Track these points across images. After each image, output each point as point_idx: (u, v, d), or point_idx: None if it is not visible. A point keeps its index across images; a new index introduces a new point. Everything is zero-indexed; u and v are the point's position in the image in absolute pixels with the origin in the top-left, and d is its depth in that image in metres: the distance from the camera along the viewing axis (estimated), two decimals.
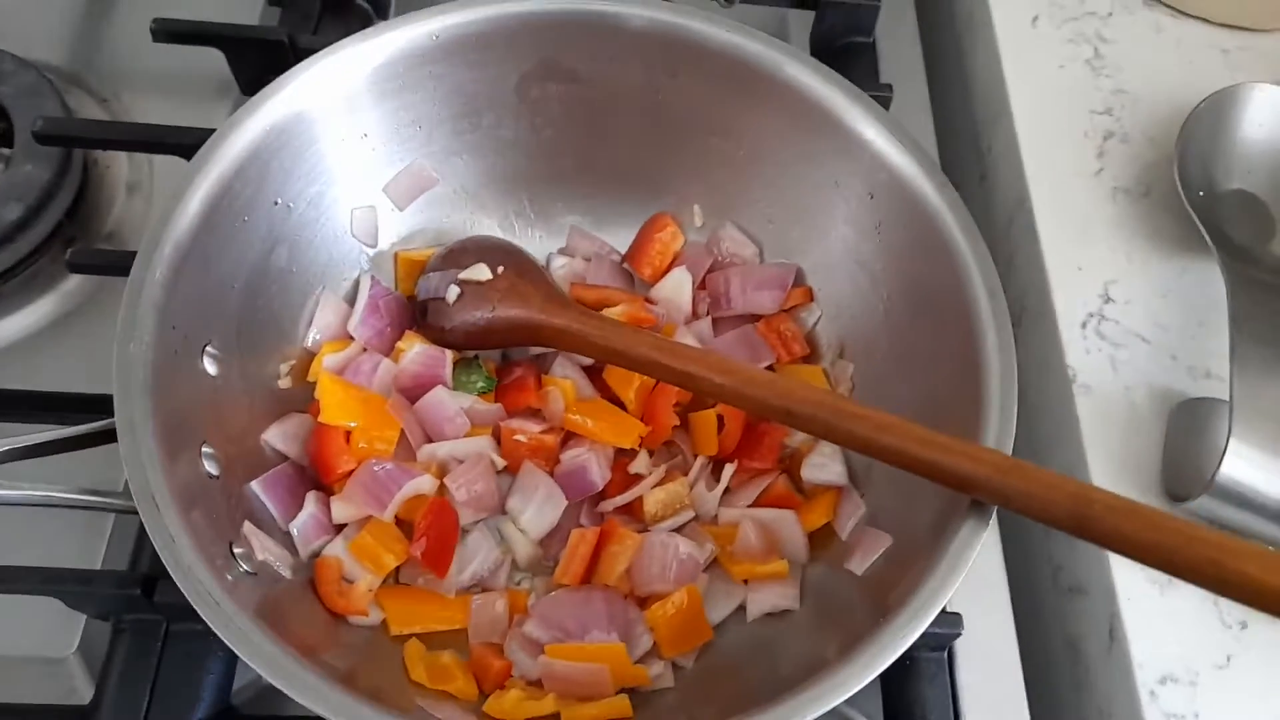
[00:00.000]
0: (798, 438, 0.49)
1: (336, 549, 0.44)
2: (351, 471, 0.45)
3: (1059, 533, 0.53)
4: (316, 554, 0.44)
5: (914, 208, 0.47)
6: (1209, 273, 0.53)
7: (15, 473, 0.39)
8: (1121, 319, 0.54)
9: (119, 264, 0.51)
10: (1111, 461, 0.50)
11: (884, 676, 0.46)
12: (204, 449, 0.41)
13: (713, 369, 0.44)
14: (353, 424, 0.45)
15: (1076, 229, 0.57)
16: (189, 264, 0.41)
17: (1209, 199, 0.55)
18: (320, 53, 0.46)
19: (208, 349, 0.43)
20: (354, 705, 0.34)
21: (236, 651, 0.34)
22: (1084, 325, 0.54)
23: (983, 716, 0.47)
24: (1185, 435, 0.50)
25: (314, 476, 0.46)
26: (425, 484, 0.45)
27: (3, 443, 0.38)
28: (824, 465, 0.48)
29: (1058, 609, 0.53)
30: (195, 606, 0.35)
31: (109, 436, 0.40)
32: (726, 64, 0.50)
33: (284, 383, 0.48)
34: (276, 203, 0.46)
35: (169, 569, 0.35)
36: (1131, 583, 0.47)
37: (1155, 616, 0.47)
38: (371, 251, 0.52)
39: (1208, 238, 0.52)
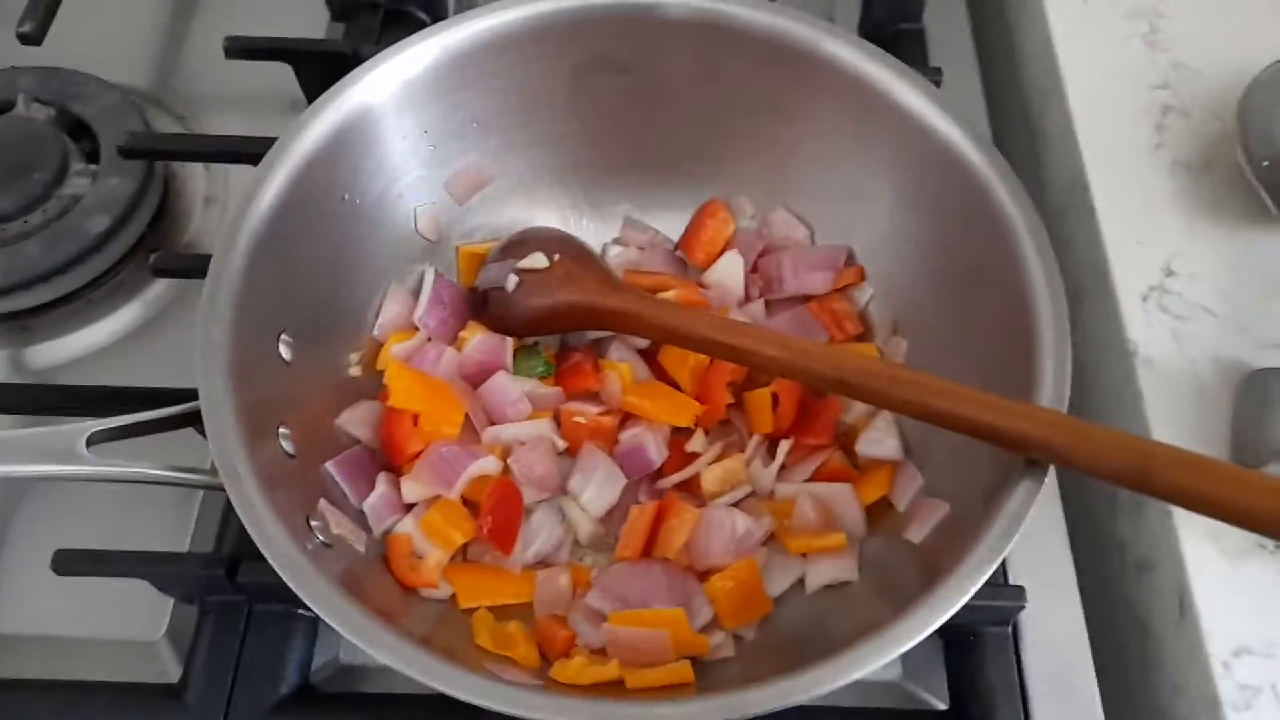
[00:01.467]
0: (853, 413, 0.50)
1: (407, 526, 0.46)
2: (420, 453, 0.46)
3: (1124, 511, 0.53)
4: (388, 531, 0.46)
5: (964, 180, 0.47)
6: (1278, 244, 0.52)
7: (107, 454, 0.42)
8: (1185, 292, 0.53)
9: (199, 267, 0.53)
10: (1176, 434, 0.49)
11: (948, 652, 0.47)
12: (281, 430, 0.43)
13: (766, 343, 0.45)
14: (420, 409, 0.47)
15: (1135, 205, 0.56)
16: (264, 255, 0.44)
17: (1274, 169, 0.54)
18: (378, 55, 0.48)
19: (283, 336, 0.45)
20: (430, 661, 0.35)
21: (317, 611, 0.36)
22: (1145, 299, 0.53)
23: (1051, 695, 0.46)
24: (1255, 405, 0.49)
25: (384, 459, 0.47)
26: (490, 465, 0.47)
27: (98, 424, 0.41)
28: (879, 440, 0.48)
29: (1126, 588, 0.52)
30: (278, 571, 0.36)
31: (194, 419, 0.43)
32: (769, 47, 0.50)
33: (354, 371, 0.50)
34: (344, 199, 0.49)
35: (253, 536, 0.37)
36: (1201, 555, 0.46)
37: (1227, 589, 0.46)
38: (435, 246, 0.54)
39: (1274, 208, 0.51)
